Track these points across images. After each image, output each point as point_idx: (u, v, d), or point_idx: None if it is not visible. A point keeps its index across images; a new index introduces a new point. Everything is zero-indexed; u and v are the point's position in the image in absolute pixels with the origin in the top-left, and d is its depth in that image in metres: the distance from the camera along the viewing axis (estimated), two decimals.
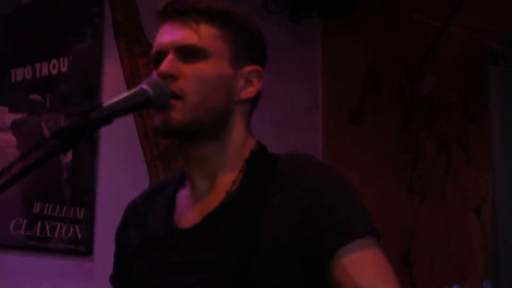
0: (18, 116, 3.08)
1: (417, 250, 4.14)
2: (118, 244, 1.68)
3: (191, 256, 1.45)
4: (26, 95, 3.12)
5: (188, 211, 1.51)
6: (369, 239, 1.40)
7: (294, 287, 1.41)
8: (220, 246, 1.42)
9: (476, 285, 4.29)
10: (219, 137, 1.49)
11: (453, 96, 4.42)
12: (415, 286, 4.02)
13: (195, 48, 1.45)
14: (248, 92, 1.51)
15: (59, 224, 3.09)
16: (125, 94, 1.36)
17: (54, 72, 3.18)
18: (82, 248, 3.14)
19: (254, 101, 1.55)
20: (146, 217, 1.59)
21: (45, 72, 3.17)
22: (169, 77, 1.43)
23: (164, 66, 1.44)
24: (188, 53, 1.45)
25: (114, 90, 3.20)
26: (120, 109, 1.32)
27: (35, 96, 3.14)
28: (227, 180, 1.49)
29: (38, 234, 3.05)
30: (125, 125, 3.30)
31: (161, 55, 1.47)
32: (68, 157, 3.14)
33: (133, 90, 1.37)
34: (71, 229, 3.11)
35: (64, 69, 3.20)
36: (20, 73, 3.14)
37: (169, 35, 1.47)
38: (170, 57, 1.45)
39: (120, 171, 3.30)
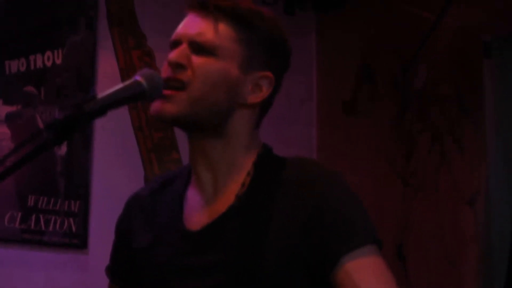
0: (13, 108, 3.08)
1: (411, 242, 4.15)
2: (119, 235, 1.68)
3: (200, 258, 1.45)
4: (21, 87, 3.12)
5: (197, 212, 1.51)
6: (373, 246, 1.42)
7: None
8: (228, 249, 1.43)
9: (470, 277, 4.30)
10: (219, 136, 1.49)
11: (447, 89, 4.42)
12: (409, 278, 4.02)
13: (207, 44, 1.46)
14: (256, 97, 1.51)
15: (53, 217, 3.09)
16: (119, 86, 1.35)
17: (49, 64, 3.18)
18: (77, 241, 3.14)
19: (264, 106, 1.55)
20: (154, 213, 1.59)
21: (39, 64, 3.17)
22: (178, 66, 1.45)
23: (174, 54, 1.46)
24: (200, 47, 1.46)
25: (108, 82, 3.20)
26: (114, 101, 1.32)
27: (29, 88, 3.13)
28: (234, 182, 1.49)
29: (32, 227, 3.04)
30: (120, 118, 3.29)
31: (176, 44, 1.49)
32: (62, 150, 3.14)
33: (127, 82, 1.36)
34: (66, 222, 3.11)
35: (58, 61, 3.19)
36: (15, 65, 3.13)
37: (187, 26, 1.49)
38: (182, 46, 1.47)
39: (114, 164, 3.30)
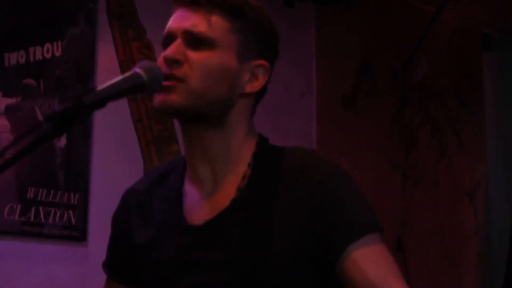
0: (12, 100, 3.08)
1: (410, 236, 4.15)
2: (116, 230, 1.66)
3: (203, 253, 1.45)
4: (20, 79, 3.11)
5: (197, 207, 1.50)
6: (376, 235, 1.44)
7: (304, 285, 1.43)
8: (232, 244, 1.43)
9: (469, 271, 4.30)
10: (220, 127, 1.49)
11: (446, 83, 4.42)
12: (408, 272, 4.03)
13: (203, 36, 1.45)
14: (253, 87, 1.51)
15: (53, 210, 3.09)
16: (119, 78, 1.35)
17: (48, 56, 3.17)
18: (76, 233, 3.14)
19: (258, 95, 1.55)
20: (151, 208, 1.57)
21: (38, 56, 3.16)
22: (174, 62, 1.44)
23: (170, 50, 1.45)
24: (195, 40, 1.45)
25: (108, 74, 3.20)
26: (113, 93, 1.32)
27: (28, 81, 3.13)
28: (234, 174, 1.49)
29: (32, 219, 3.04)
30: (119, 110, 3.29)
31: (170, 38, 1.48)
32: (62, 142, 3.14)
33: (126, 74, 1.36)
34: (65, 214, 3.11)
35: (58, 54, 3.19)
36: (14, 58, 3.12)
37: (179, 20, 1.48)
38: (177, 42, 1.46)
39: (114, 156, 3.30)
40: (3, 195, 3.00)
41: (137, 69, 1.37)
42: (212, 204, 1.48)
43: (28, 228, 3.04)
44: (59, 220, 3.10)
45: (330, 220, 1.41)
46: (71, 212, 3.13)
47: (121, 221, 1.65)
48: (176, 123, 3.44)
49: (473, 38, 4.51)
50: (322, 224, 1.41)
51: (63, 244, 3.12)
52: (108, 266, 1.65)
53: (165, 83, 1.43)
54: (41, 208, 3.06)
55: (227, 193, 1.48)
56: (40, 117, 3.10)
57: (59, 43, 3.19)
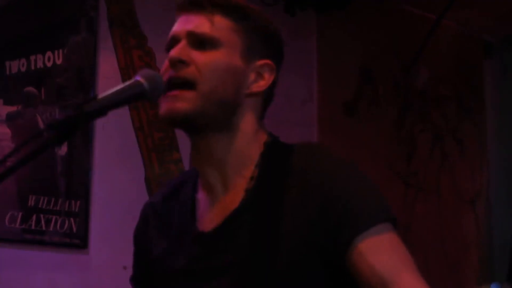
0: (13, 108, 3.08)
1: (412, 244, 4.14)
2: (138, 244, 1.66)
3: (214, 260, 1.44)
4: (21, 87, 3.12)
5: (208, 213, 1.50)
6: (385, 224, 1.40)
7: (315, 283, 1.41)
8: (241, 247, 1.42)
9: (470, 279, 4.30)
10: (227, 129, 1.48)
11: (447, 90, 4.42)
12: None
13: (207, 36, 1.45)
14: (259, 86, 1.50)
15: (54, 217, 3.09)
16: (120, 86, 1.35)
17: (49, 64, 3.18)
18: (77, 241, 3.13)
19: (266, 96, 1.54)
20: (166, 218, 1.58)
21: (40, 64, 3.17)
22: (180, 62, 1.43)
23: (174, 51, 1.45)
24: (199, 40, 1.45)
25: (109, 82, 3.20)
26: (114, 102, 1.32)
27: (30, 89, 3.13)
28: (243, 176, 1.48)
29: (33, 227, 3.04)
30: (120, 118, 3.29)
31: (174, 42, 1.48)
32: (63, 150, 3.14)
33: (127, 82, 1.36)
34: (66, 222, 3.11)
35: (59, 62, 3.19)
36: (15, 66, 3.13)
37: (182, 23, 1.48)
38: (181, 43, 1.46)
39: (115, 164, 3.30)
40: (4, 203, 3.00)
41: (138, 77, 1.37)
42: (221, 208, 1.48)
43: (29, 235, 3.04)
44: (60, 227, 3.10)
45: (338, 213, 1.38)
46: (72, 219, 3.13)
47: (140, 235, 1.64)
48: (178, 131, 3.45)
49: (474, 45, 4.52)
50: (330, 218, 1.38)
51: (64, 252, 3.12)
52: (134, 280, 1.66)
53: (172, 92, 1.42)
54: (42, 216, 3.06)
55: (236, 195, 1.47)
56: (41, 125, 3.11)
57: (60, 51, 3.20)
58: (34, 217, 3.05)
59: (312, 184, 1.41)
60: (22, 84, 3.12)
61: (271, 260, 1.38)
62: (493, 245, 4.44)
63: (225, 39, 1.46)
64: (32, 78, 3.14)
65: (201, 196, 1.53)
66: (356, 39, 4.13)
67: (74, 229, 3.12)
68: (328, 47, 4.03)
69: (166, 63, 1.46)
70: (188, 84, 1.43)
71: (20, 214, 3.03)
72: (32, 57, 3.15)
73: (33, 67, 3.15)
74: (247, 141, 1.49)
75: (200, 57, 1.44)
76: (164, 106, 1.44)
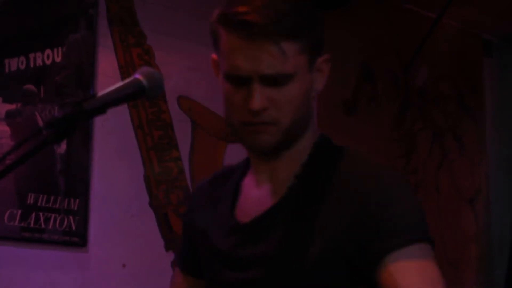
0: (12, 106, 3.07)
1: None
2: (185, 226, 1.71)
3: (247, 250, 1.47)
4: (20, 85, 3.11)
5: (248, 203, 1.53)
6: (421, 246, 1.37)
7: (339, 286, 1.40)
8: (274, 242, 1.43)
9: (470, 276, 4.30)
10: (299, 138, 1.50)
11: (447, 88, 4.42)
12: None
13: (280, 75, 1.41)
14: (321, 83, 1.52)
15: (53, 215, 3.08)
16: (119, 84, 1.35)
17: (48, 62, 3.17)
18: (76, 239, 3.13)
19: None
20: (211, 200, 1.62)
21: (39, 62, 3.16)
22: (263, 110, 1.42)
23: (256, 104, 1.41)
24: (274, 80, 1.41)
25: (108, 80, 3.19)
26: (114, 99, 1.32)
27: (29, 87, 3.13)
28: (288, 173, 1.49)
29: (32, 225, 3.04)
30: (120, 116, 3.29)
31: (241, 79, 1.42)
32: (62, 148, 3.14)
33: (127, 80, 1.36)
34: (66, 220, 3.11)
35: (58, 60, 3.19)
36: (14, 63, 3.12)
37: (251, 62, 1.40)
38: (257, 89, 1.41)
39: (114, 162, 3.29)
40: (3, 201, 3.00)
41: (137, 75, 1.37)
42: (261, 201, 1.50)
43: (28, 234, 3.04)
44: (59, 225, 3.10)
45: (372, 225, 1.36)
46: (71, 217, 3.12)
47: (188, 218, 1.69)
48: (177, 129, 3.45)
49: (474, 43, 4.52)
50: (364, 228, 1.37)
51: (64, 250, 3.12)
52: (179, 257, 1.73)
53: (256, 128, 1.43)
54: (41, 214, 3.06)
55: (278, 188, 1.49)
56: (40, 123, 3.10)
57: (60, 49, 3.19)
58: (33, 215, 3.05)
59: (352, 189, 1.41)
60: (21, 82, 3.11)
61: (300, 259, 1.39)
62: (492, 242, 4.44)
63: (296, 67, 1.42)
64: (31, 76, 3.13)
65: (245, 183, 1.56)
66: (355, 37, 4.13)
67: (73, 227, 3.12)
68: (327, 44, 4.02)
69: (241, 106, 1.43)
70: (269, 123, 1.43)
71: (19, 212, 3.02)
72: (31, 55, 3.15)
73: (32, 65, 3.15)
74: (302, 142, 1.51)
75: (276, 96, 1.41)
76: (251, 138, 1.45)
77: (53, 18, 3.22)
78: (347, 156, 1.49)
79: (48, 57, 3.18)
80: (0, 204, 2.99)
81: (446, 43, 4.40)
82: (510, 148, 4.53)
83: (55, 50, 3.18)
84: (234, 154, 3.56)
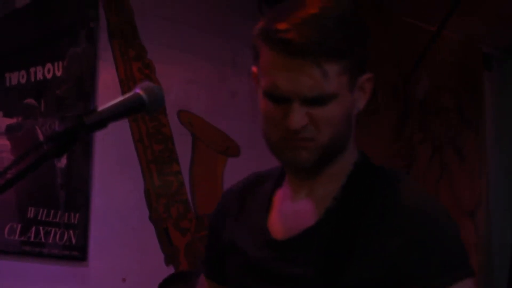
0: (13, 120, 3.08)
1: None
2: (210, 228, 1.68)
3: (282, 268, 1.45)
4: (21, 99, 3.12)
5: (282, 218, 1.50)
6: (467, 282, 1.38)
7: None
8: (312, 262, 1.41)
9: None
10: (338, 157, 1.48)
11: (447, 100, 4.42)
12: None
13: (323, 97, 1.38)
14: (363, 102, 1.49)
15: (53, 229, 3.08)
16: (120, 98, 1.35)
17: (49, 76, 3.18)
18: (76, 253, 3.13)
19: None
20: (241, 209, 1.59)
21: (39, 76, 3.17)
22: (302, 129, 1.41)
23: (295, 123, 1.38)
24: (315, 100, 1.38)
25: (108, 94, 3.20)
26: (114, 114, 1.32)
27: (29, 101, 3.13)
28: (326, 191, 1.47)
29: (32, 239, 3.04)
30: (120, 130, 3.29)
31: (281, 98, 1.39)
32: (62, 162, 3.14)
33: (127, 95, 1.36)
34: (66, 234, 3.11)
35: (58, 73, 3.19)
36: (15, 77, 3.13)
37: (290, 80, 1.37)
38: (297, 109, 1.38)
39: (114, 176, 3.29)
40: (4, 215, 3.00)
41: (137, 90, 1.37)
42: (298, 220, 1.47)
43: (28, 247, 3.03)
44: (59, 239, 3.09)
45: (417, 261, 1.35)
46: (71, 231, 3.12)
47: (215, 223, 1.66)
48: (177, 143, 3.45)
49: (474, 55, 4.52)
50: (408, 263, 1.36)
51: (63, 264, 3.11)
52: (204, 264, 1.69)
53: (294, 143, 1.41)
54: (41, 228, 3.06)
55: (315, 211, 1.46)
56: (41, 137, 3.10)
57: (60, 63, 3.20)
58: (33, 229, 3.04)
59: (394, 217, 1.39)
60: (21, 96, 3.12)
61: (337, 283, 1.38)
62: (493, 253, 4.43)
63: (338, 88, 1.39)
64: (32, 90, 3.14)
65: (279, 197, 1.53)
66: None
67: (74, 241, 3.12)
68: None
69: (275, 115, 1.41)
70: (308, 139, 1.41)
71: (19, 226, 3.02)
72: (32, 69, 3.15)
73: (33, 79, 3.15)
74: (343, 161, 1.49)
75: (316, 114, 1.39)
76: (289, 154, 1.43)
77: (53, 32, 3.22)
78: (388, 179, 1.47)
79: (48, 71, 3.18)
80: (0, 218, 2.99)
81: (447, 55, 4.41)
82: (511, 160, 4.53)
83: (56, 64, 3.19)
84: (235, 168, 3.56)
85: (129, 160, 3.35)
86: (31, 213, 3.05)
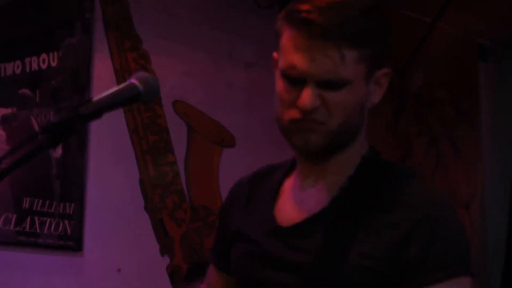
0: (8, 111, 3.08)
1: None
2: (220, 218, 1.71)
3: (285, 254, 1.46)
4: (16, 89, 3.11)
5: (289, 207, 1.52)
6: (462, 280, 1.38)
7: None
8: (314, 250, 1.42)
9: None
10: (345, 147, 1.49)
11: (443, 92, 4.43)
12: None
13: (337, 80, 1.39)
14: (378, 96, 1.50)
15: (48, 220, 3.08)
16: (115, 88, 1.35)
17: (44, 66, 3.17)
18: (72, 243, 3.13)
19: None
20: (250, 198, 1.61)
21: (35, 66, 3.16)
22: (313, 110, 1.41)
23: (308, 103, 1.40)
24: (330, 85, 1.39)
25: (104, 85, 3.20)
26: (109, 104, 1.32)
27: (25, 91, 3.13)
28: (333, 181, 1.48)
29: (27, 229, 3.04)
30: (115, 120, 3.29)
31: (297, 78, 1.41)
32: (57, 152, 3.14)
33: (122, 85, 1.36)
34: (61, 224, 3.11)
35: (54, 64, 3.19)
36: (10, 68, 3.13)
37: (308, 64, 1.39)
38: (310, 90, 1.40)
39: (109, 166, 3.29)
40: None
41: (133, 80, 1.37)
42: (303, 207, 1.49)
43: (23, 238, 3.04)
44: (55, 230, 3.09)
45: (415, 252, 1.37)
46: (66, 222, 3.12)
47: (224, 210, 1.68)
48: (172, 134, 3.45)
49: (469, 48, 4.52)
50: (409, 255, 1.37)
51: (59, 254, 3.12)
52: (213, 253, 1.70)
53: (304, 125, 1.42)
54: (36, 218, 3.06)
55: (321, 200, 1.48)
56: (36, 127, 3.10)
57: (55, 53, 3.19)
58: (28, 219, 3.04)
59: (398, 213, 1.40)
60: (17, 86, 3.11)
61: (336, 271, 1.39)
62: (488, 247, 4.44)
63: (353, 75, 1.40)
64: (27, 80, 3.13)
65: (287, 186, 1.55)
66: None
67: (69, 232, 3.12)
68: None
69: (288, 104, 1.43)
70: (318, 122, 1.42)
71: (15, 216, 3.02)
72: (27, 59, 3.15)
73: (28, 69, 3.15)
74: (352, 153, 1.50)
75: (329, 98, 1.40)
76: (299, 136, 1.44)
77: (49, 23, 3.22)
78: (395, 173, 1.48)
79: (44, 61, 3.18)
80: None
81: (442, 48, 4.41)
82: (506, 153, 4.54)
83: (51, 54, 3.19)
84: (230, 159, 3.56)
85: (124, 151, 3.35)
86: (26, 203, 3.05)
